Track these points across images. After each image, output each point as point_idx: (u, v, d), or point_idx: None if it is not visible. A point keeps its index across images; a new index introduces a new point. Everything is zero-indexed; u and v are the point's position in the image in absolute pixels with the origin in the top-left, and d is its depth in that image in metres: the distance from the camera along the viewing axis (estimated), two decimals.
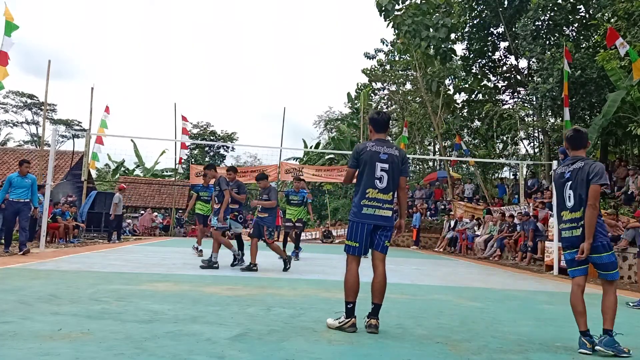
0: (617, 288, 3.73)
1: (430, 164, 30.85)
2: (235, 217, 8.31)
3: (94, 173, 25.91)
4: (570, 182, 3.63)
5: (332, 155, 30.97)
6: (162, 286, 5.59)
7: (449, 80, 22.33)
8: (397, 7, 18.85)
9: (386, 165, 3.80)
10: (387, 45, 26.87)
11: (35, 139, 40.48)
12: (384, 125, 3.98)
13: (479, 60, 20.24)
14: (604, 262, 3.55)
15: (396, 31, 19.38)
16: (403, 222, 4.07)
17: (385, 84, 29.56)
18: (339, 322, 3.70)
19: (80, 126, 39.81)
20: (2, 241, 9.87)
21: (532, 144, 25.06)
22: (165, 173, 35.94)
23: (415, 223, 19.78)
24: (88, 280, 5.71)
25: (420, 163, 32.00)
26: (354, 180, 3.97)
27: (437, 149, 30.05)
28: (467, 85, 21.14)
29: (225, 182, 7.96)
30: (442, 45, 18.81)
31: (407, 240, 20.44)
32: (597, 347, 3.47)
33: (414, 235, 19.75)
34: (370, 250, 3.94)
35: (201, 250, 10.25)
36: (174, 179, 28.99)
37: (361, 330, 3.75)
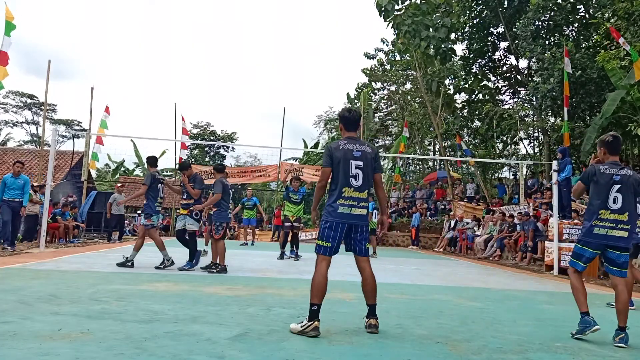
0: None
1: (430, 164, 30.85)
2: (190, 213, 7.72)
3: (94, 173, 25.91)
4: (619, 186, 3.89)
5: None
6: (162, 286, 5.59)
7: (449, 80, 22.32)
8: (396, 7, 18.84)
9: (360, 163, 3.75)
10: (387, 45, 26.88)
11: (35, 139, 40.48)
12: (354, 123, 3.92)
13: (479, 60, 20.25)
14: (625, 260, 3.93)
15: (396, 31, 19.37)
16: (385, 217, 4.01)
17: (385, 84, 29.57)
18: (301, 326, 3.53)
19: (80, 126, 39.84)
20: (1, 240, 9.94)
21: (532, 144, 25.07)
22: (165, 173, 35.93)
23: (414, 223, 19.80)
24: (88, 280, 5.71)
25: (420, 163, 32.00)
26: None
27: (437, 149, 30.05)
28: (467, 86, 21.15)
29: (149, 178, 7.59)
30: (442, 45, 18.80)
31: (406, 240, 20.46)
32: (618, 345, 3.73)
33: (412, 235, 19.78)
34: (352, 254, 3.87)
35: (206, 251, 10.25)
36: (174, 179, 28.99)
37: (361, 330, 3.75)
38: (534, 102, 17.53)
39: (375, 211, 13.48)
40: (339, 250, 3.82)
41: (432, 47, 18.99)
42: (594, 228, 3.91)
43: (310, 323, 3.52)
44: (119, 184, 15.56)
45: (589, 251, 3.96)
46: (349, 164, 3.72)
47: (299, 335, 3.48)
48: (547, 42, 16.17)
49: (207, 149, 41.25)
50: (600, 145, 4.14)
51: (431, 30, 18.36)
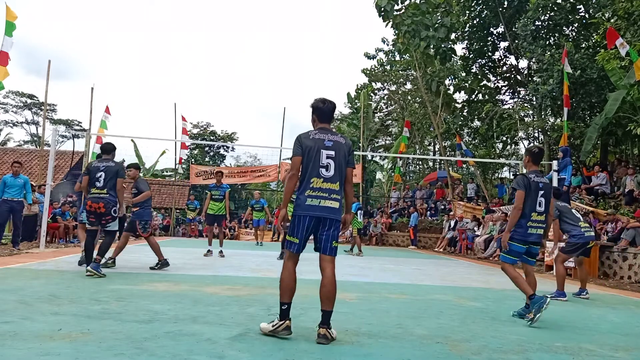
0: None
1: (430, 164, 30.85)
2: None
3: None
4: (543, 192, 4.68)
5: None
6: (162, 286, 5.59)
7: (449, 80, 22.32)
8: (396, 7, 18.82)
9: (332, 153, 3.52)
10: (387, 45, 26.87)
11: (35, 139, 40.46)
12: (329, 114, 3.70)
13: (479, 60, 20.23)
14: (537, 252, 4.91)
15: (396, 31, 19.37)
16: (349, 216, 3.72)
17: (385, 84, 29.55)
18: (272, 326, 3.40)
19: (80, 126, 39.79)
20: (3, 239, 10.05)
21: (532, 144, 25.05)
22: (165, 173, 35.93)
23: (412, 223, 19.83)
24: (88, 280, 5.71)
25: (420, 163, 31.99)
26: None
27: (437, 149, 30.05)
28: (467, 85, 21.14)
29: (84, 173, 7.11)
30: (442, 45, 18.79)
31: (406, 240, 20.47)
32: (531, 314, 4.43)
33: (411, 235, 19.82)
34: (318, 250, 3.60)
35: (210, 251, 10.22)
36: (174, 179, 28.99)
37: (361, 331, 3.75)
38: (534, 102, 17.52)
39: (359, 211, 13.55)
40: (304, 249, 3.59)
41: (432, 47, 18.98)
42: (529, 229, 4.63)
43: (281, 322, 3.39)
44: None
45: (521, 247, 4.68)
46: (320, 153, 3.49)
47: (299, 336, 3.48)
48: (547, 43, 16.15)
49: (207, 149, 41.23)
50: (527, 154, 4.97)
51: (431, 30, 18.34)
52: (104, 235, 6.77)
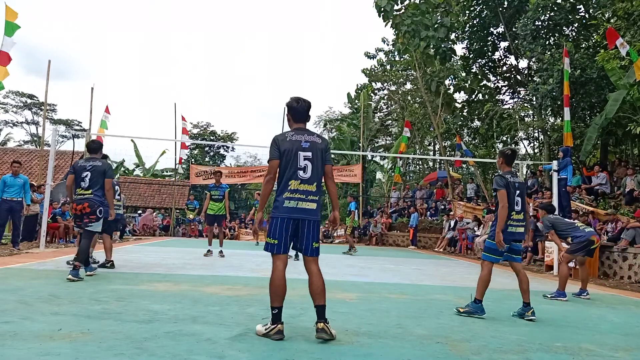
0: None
1: (430, 164, 30.85)
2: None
3: None
4: (518, 192, 4.83)
5: (332, 155, 30.83)
6: (162, 286, 5.59)
7: (449, 80, 22.31)
8: (396, 7, 18.82)
9: (309, 154, 3.51)
10: (387, 45, 26.87)
11: (35, 139, 40.47)
12: (304, 114, 3.65)
13: (479, 60, 20.23)
14: (521, 248, 5.01)
15: (395, 31, 19.36)
16: (337, 214, 3.70)
17: (385, 84, 29.56)
18: (265, 329, 3.39)
19: (80, 126, 39.81)
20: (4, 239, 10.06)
21: (532, 144, 25.06)
22: (165, 173, 35.95)
23: (412, 223, 19.83)
24: (88, 280, 5.71)
25: (420, 163, 31.99)
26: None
27: (437, 149, 30.04)
28: (467, 85, 21.13)
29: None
30: (442, 45, 18.79)
31: (406, 240, 20.47)
32: (530, 318, 4.63)
33: (410, 235, 19.82)
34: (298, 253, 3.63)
35: (210, 251, 10.21)
36: (174, 179, 28.99)
37: (360, 331, 3.75)
38: (534, 102, 17.52)
39: (356, 210, 13.59)
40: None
41: (432, 47, 18.98)
42: (508, 227, 4.73)
43: (273, 326, 3.37)
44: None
45: (507, 245, 4.73)
46: (297, 155, 3.49)
47: (299, 335, 3.48)
48: (547, 42, 16.15)
49: (207, 149, 41.25)
50: (500, 156, 5.06)
51: (431, 30, 18.33)
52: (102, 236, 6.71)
